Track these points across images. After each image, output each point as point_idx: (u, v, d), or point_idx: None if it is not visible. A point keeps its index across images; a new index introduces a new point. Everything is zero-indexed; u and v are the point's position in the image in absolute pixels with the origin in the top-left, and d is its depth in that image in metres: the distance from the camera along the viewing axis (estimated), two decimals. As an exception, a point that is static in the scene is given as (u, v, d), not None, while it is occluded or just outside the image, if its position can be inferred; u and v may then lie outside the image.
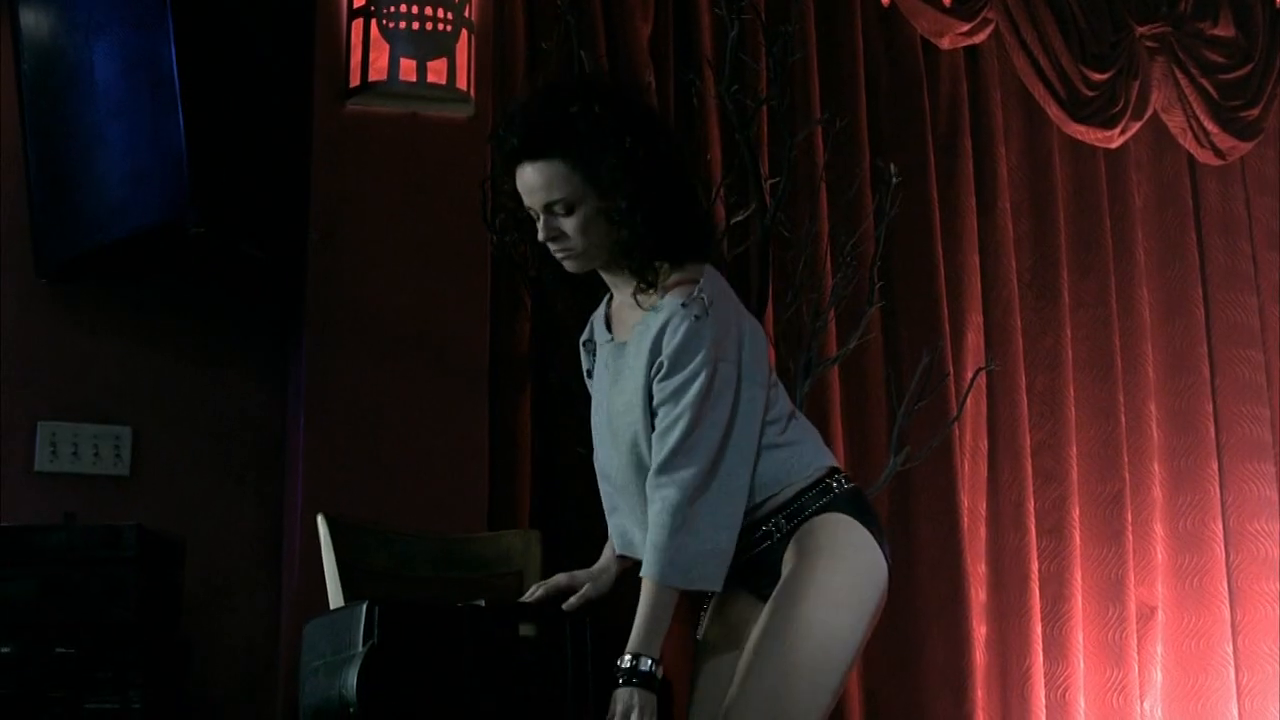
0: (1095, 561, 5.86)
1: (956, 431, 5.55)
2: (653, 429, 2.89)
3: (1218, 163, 6.29)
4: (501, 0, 5.13)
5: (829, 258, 5.25)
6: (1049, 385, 5.90)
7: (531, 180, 2.86)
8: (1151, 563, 5.96)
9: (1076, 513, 5.83)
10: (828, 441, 5.35)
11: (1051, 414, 5.89)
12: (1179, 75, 6.22)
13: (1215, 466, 6.09)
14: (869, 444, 5.50)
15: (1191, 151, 6.28)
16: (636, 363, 2.92)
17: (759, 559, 2.94)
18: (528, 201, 2.90)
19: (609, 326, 3.06)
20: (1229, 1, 6.33)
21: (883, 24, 5.87)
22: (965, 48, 5.97)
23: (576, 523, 4.85)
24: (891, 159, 5.14)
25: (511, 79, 5.14)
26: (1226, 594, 5.99)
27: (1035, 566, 5.69)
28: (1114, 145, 6.12)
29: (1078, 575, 5.77)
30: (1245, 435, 6.17)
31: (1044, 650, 5.66)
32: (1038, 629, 5.65)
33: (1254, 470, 6.15)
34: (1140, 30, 6.17)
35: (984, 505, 5.71)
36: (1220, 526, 6.04)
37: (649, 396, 2.90)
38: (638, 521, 2.97)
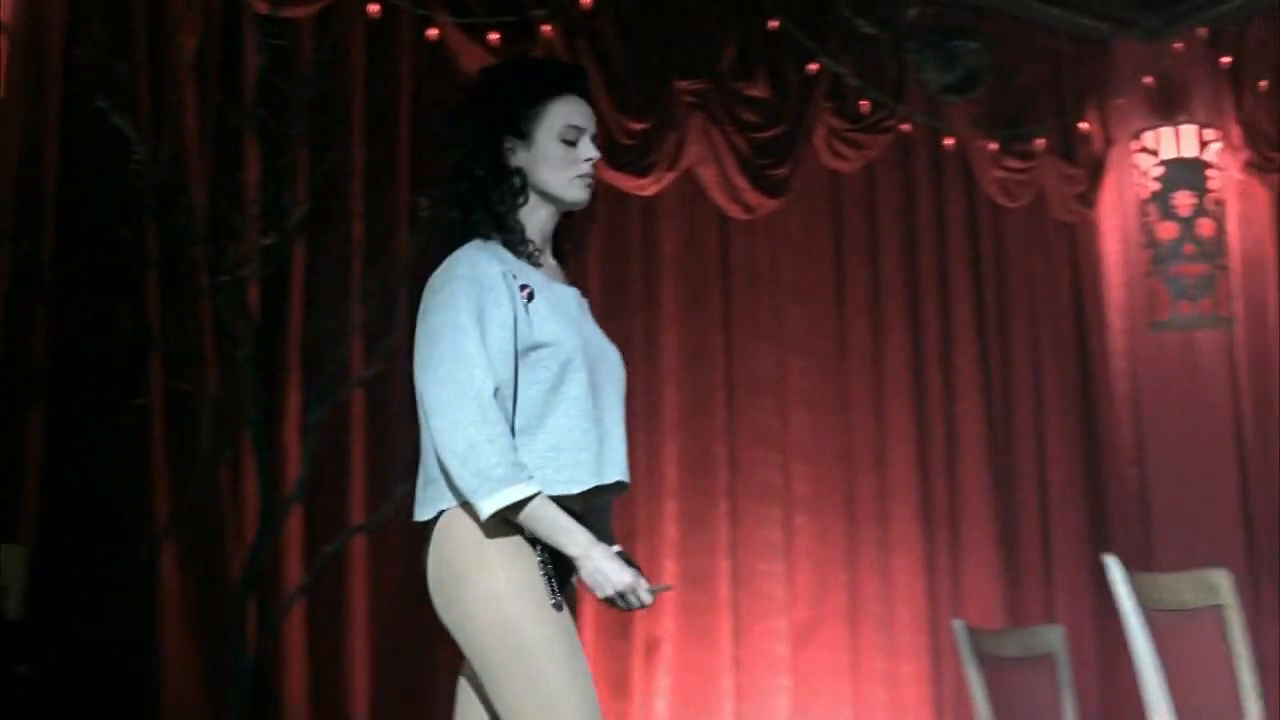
0: (604, 595, 5.99)
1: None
2: None
3: (746, 217, 6.56)
4: (38, 3, 4.99)
5: (359, 285, 5.28)
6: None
7: (586, 111, 3.14)
8: (660, 597, 6.12)
9: (589, 547, 5.95)
10: (349, 469, 5.47)
11: (572, 451, 6.00)
12: (715, 131, 6.46)
13: (726, 507, 6.35)
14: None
15: (722, 205, 6.53)
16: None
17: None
18: (581, 123, 3.11)
19: (533, 263, 3.08)
20: (766, 64, 6.60)
21: (431, 59, 5.91)
22: (513, 87, 6.05)
23: (84, 538, 4.77)
24: (430, 194, 5.20)
25: (47, 82, 5.01)
26: (730, 630, 6.25)
27: (544, 600, 5.79)
28: (648, 193, 6.32)
29: (588, 609, 5.91)
30: (757, 479, 6.46)
31: (551, 683, 5.76)
32: (545, 662, 5.74)
33: (763, 514, 6.44)
34: (681, 85, 6.38)
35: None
36: (728, 565, 6.30)
37: None
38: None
